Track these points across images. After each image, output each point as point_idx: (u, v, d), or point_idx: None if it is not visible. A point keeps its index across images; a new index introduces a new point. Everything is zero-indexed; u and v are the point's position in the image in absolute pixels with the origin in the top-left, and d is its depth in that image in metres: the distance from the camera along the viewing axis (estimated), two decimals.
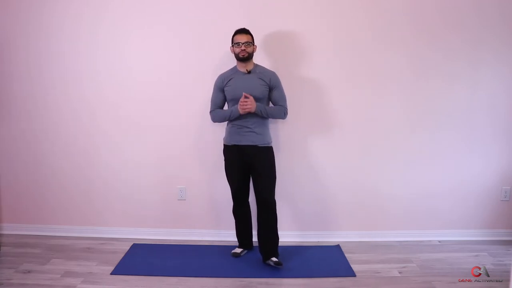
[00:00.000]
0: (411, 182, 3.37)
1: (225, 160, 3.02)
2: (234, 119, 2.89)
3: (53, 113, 3.33)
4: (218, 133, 3.24)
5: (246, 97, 2.78)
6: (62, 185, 3.41)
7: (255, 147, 2.88)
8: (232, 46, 2.88)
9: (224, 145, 3.00)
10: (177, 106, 3.30)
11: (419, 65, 3.25)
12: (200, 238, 3.39)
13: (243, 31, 2.86)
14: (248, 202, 3.10)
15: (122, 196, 3.40)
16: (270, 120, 3.01)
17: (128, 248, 3.22)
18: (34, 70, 3.29)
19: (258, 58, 3.03)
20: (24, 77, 3.30)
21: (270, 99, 2.97)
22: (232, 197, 3.05)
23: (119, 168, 3.37)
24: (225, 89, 2.91)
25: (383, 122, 3.31)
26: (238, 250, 3.11)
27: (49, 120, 3.34)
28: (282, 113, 2.96)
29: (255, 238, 3.12)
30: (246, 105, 2.78)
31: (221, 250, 3.19)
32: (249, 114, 2.84)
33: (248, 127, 2.87)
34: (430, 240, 3.41)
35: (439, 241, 3.41)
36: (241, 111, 2.81)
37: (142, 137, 3.34)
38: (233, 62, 2.99)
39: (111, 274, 2.82)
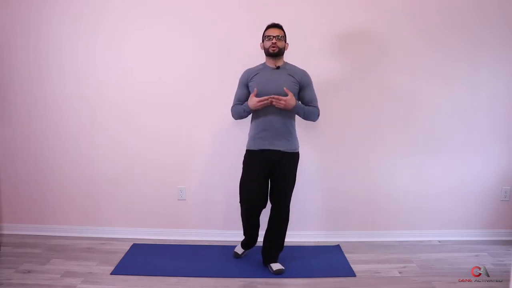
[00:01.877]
0: (411, 182, 3.37)
1: (246, 167, 2.79)
2: (259, 123, 2.72)
3: (53, 113, 3.33)
4: (218, 133, 3.24)
5: (280, 97, 2.57)
6: (62, 185, 3.41)
7: (282, 152, 2.73)
8: (262, 41, 2.74)
9: (247, 150, 2.80)
10: (177, 106, 3.29)
11: (419, 65, 3.25)
12: (200, 238, 3.39)
13: (275, 25, 2.73)
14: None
15: (122, 196, 3.40)
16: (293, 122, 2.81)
17: (128, 248, 3.22)
18: (34, 70, 3.29)
19: (260, 58, 2.99)
20: (24, 77, 3.30)
21: (301, 99, 2.79)
22: (248, 206, 2.79)
23: (119, 168, 3.37)
24: (250, 84, 2.75)
25: (383, 122, 3.31)
26: (239, 251, 3.09)
27: (49, 120, 3.34)
28: (316, 115, 2.79)
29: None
30: (279, 102, 2.58)
31: (221, 250, 3.18)
32: (275, 116, 2.67)
33: (275, 131, 2.70)
34: (430, 240, 3.42)
35: (439, 241, 3.41)
36: (257, 107, 2.63)
37: (142, 137, 3.33)
38: (236, 62, 3.00)
39: (111, 274, 2.81)
